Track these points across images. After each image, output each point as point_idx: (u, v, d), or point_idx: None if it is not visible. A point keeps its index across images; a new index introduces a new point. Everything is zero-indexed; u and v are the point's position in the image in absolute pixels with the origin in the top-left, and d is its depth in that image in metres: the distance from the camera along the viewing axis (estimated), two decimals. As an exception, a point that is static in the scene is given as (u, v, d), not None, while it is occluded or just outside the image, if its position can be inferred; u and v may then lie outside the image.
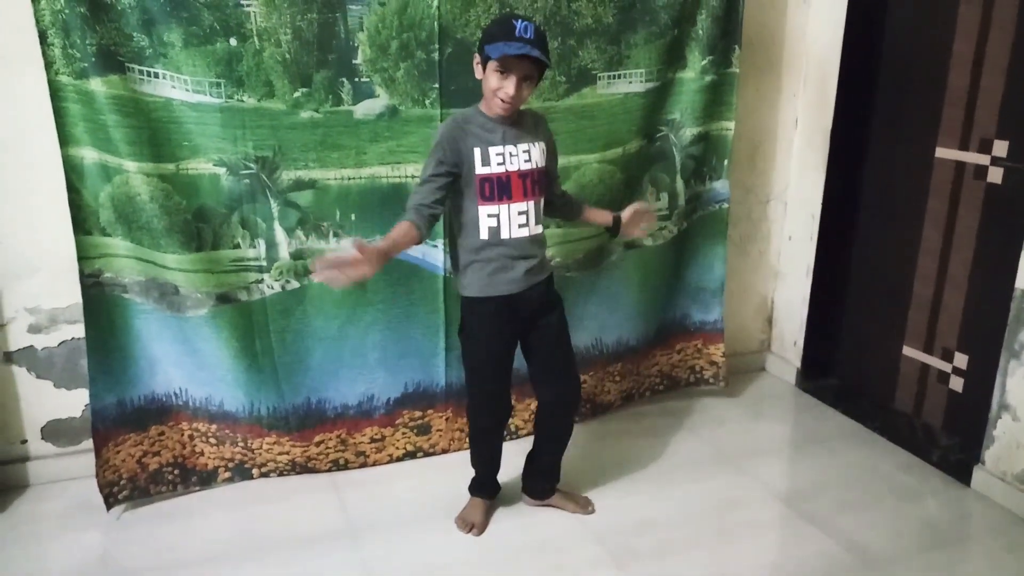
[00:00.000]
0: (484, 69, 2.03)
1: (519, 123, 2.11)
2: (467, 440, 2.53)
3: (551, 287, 2.27)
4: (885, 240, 3.03)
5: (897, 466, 2.75)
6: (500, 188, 2.07)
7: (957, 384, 2.77)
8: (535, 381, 2.34)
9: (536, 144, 2.12)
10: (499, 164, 2.06)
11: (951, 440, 2.74)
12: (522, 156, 2.09)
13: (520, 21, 1.95)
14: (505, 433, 2.53)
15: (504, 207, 2.08)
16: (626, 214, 2.37)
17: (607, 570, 2.21)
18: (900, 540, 2.35)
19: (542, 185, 2.15)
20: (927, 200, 2.82)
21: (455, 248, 2.18)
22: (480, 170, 2.05)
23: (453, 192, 2.09)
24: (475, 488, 2.44)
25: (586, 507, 2.47)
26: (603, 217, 2.40)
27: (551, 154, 2.23)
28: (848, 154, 3.08)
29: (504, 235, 2.09)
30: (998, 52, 2.54)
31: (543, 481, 2.46)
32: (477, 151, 2.05)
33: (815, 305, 3.25)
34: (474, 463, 2.43)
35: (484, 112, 2.08)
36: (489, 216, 2.08)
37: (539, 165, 2.12)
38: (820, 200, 3.15)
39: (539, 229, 2.16)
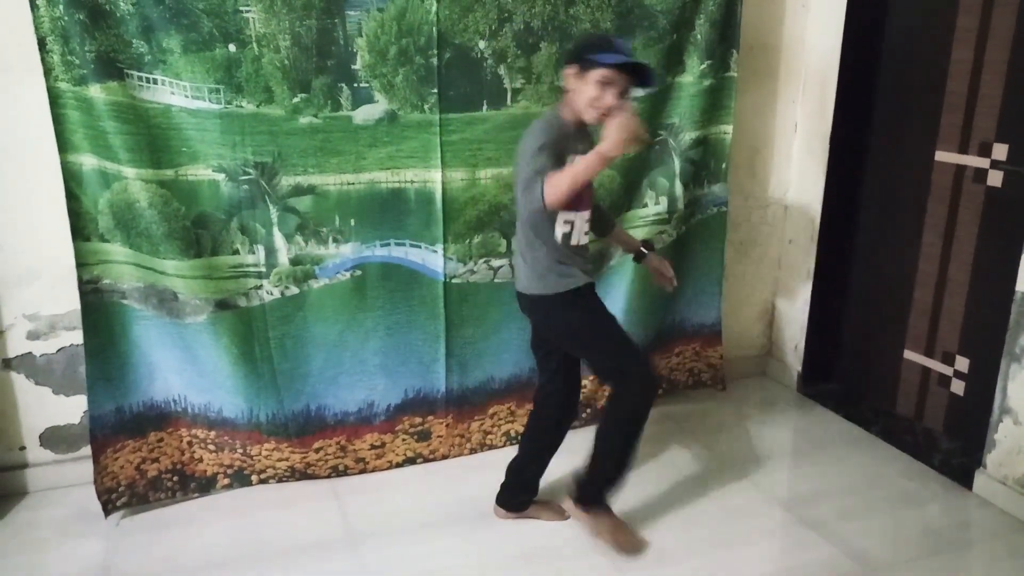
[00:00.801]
0: (580, 79, 2.02)
1: (583, 129, 2.13)
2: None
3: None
4: (885, 244, 3.03)
5: (898, 471, 2.74)
6: (578, 198, 2.06)
7: (958, 388, 2.77)
8: None
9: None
10: None
11: (952, 444, 2.74)
12: None
13: (618, 39, 2.06)
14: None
15: (578, 216, 2.13)
16: (655, 263, 2.41)
17: (608, 576, 2.21)
18: (902, 546, 2.34)
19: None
20: (927, 204, 2.81)
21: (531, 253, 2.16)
22: None
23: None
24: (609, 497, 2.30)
25: (562, 515, 2.42)
26: (631, 244, 2.44)
27: None
28: (848, 158, 3.08)
29: (574, 241, 2.14)
30: (996, 57, 2.54)
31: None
32: (570, 158, 2.04)
33: (816, 309, 3.25)
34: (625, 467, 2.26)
35: (567, 120, 2.08)
36: (565, 223, 2.11)
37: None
38: (820, 204, 3.14)
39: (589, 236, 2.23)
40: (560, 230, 2.12)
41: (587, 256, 2.23)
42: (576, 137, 2.08)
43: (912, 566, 2.26)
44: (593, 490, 2.26)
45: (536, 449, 2.40)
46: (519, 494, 2.42)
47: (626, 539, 2.27)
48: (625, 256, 2.88)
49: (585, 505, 2.27)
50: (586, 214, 2.16)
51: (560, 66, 2.56)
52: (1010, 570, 2.25)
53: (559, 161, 2.00)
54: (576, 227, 2.14)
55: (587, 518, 2.27)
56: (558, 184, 1.92)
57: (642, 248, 2.42)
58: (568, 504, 2.32)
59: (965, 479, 2.61)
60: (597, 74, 1.98)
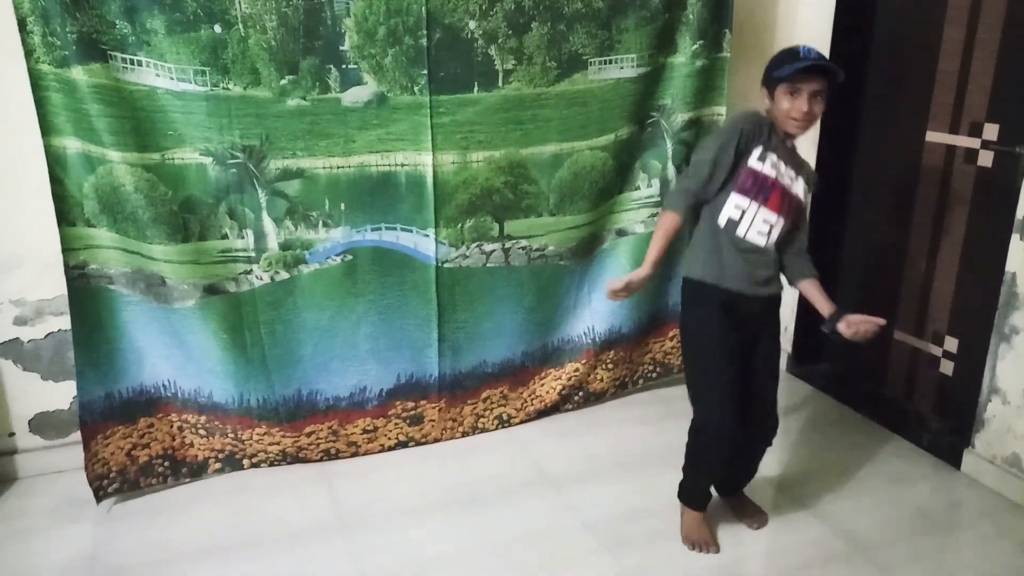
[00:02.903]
0: (772, 99, 2.05)
1: (796, 153, 2.14)
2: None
3: (771, 310, 2.20)
4: (875, 224, 3.03)
5: (888, 451, 2.76)
6: (759, 187, 2.05)
7: (948, 368, 2.78)
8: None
9: (800, 178, 2.13)
10: (772, 167, 2.06)
11: (942, 424, 2.75)
12: (789, 175, 2.09)
13: (803, 47, 2.03)
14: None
15: (755, 205, 2.06)
16: (855, 320, 2.12)
17: (600, 559, 2.21)
18: (891, 525, 2.36)
19: (793, 216, 2.12)
20: (918, 184, 2.81)
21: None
22: (753, 163, 2.05)
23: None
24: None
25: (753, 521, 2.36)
26: (823, 304, 2.19)
27: (805, 199, 2.17)
28: (838, 138, 3.07)
29: (740, 232, 2.08)
30: (988, 36, 2.53)
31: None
32: (759, 149, 2.05)
33: (806, 290, 3.25)
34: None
35: (778, 133, 2.09)
36: (736, 207, 2.07)
37: (798, 195, 2.12)
38: (811, 185, 3.14)
39: (772, 250, 2.12)
40: (727, 214, 2.08)
41: (755, 261, 2.09)
42: (774, 140, 2.07)
43: (901, 545, 2.28)
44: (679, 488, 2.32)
45: None
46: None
47: (695, 536, 2.26)
48: (616, 240, 2.88)
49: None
50: (772, 216, 2.06)
51: (552, 47, 2.55)
52: (999, 549, 2.27)
53: (737, 154, 2.03)
54: (748, 219, 2.06)
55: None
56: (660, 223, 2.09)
57: (832, 312, 2.16)
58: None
59: (954, 459, 2.64)
60: (782, 87, 2.00)
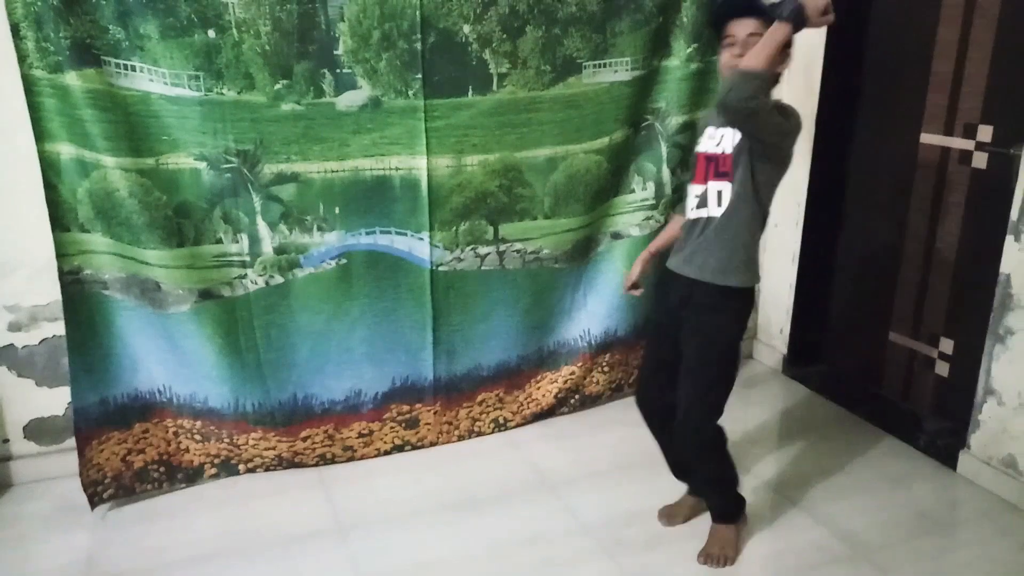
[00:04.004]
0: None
1: None
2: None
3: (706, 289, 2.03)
4: (871, 226, 3.04)
5: (884, 452, 2.76)
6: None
7: (943, 369, 2.78)
8: None
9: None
10: (703, 142, 2.03)
11: (938, 425, 2.75)
12: (719, 131, 1.99)
13: None
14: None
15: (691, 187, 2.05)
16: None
17: (597, 562, 2.21)
18: (888, 526, 2.36)
19: (731, 164, 1.95)
20: (912, 186, 2.82)
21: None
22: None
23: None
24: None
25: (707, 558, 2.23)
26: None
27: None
28: (833, 140, 3.07)
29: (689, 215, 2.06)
30: (982, 38, 2.53)
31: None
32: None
33: (801, 292, 3.25)
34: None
35: None
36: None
37: (724, 152, 1.96)
38: (805, 187, 3.14)
39: (703, 213, 2.00)
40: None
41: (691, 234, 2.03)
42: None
43: (899, 546, 2.28)
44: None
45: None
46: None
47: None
48: (611, 243, 2.87)
49: None
50: (697, 188, 2.01)
51: (547, 51, 2.55)
52: (995, 549, 2.27)
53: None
54: (690, 200, 2.04)
55: None
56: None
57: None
58: None
59: (950, 460, 2.64)
60: (722, 43, 1.93)
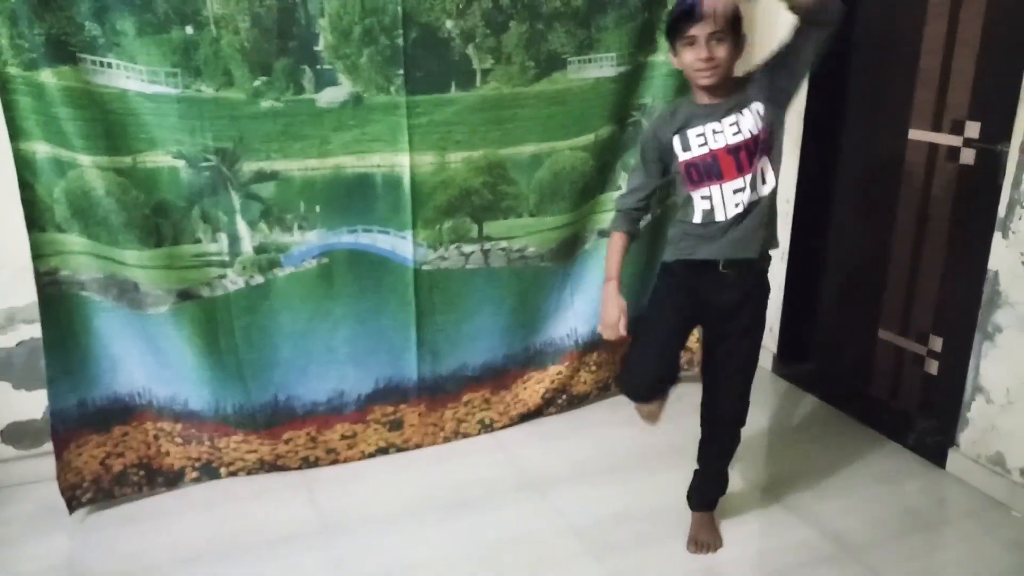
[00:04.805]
0: (678, 57, 1.92)
1: (727, 94, 1.93)
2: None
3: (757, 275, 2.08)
4: (859, 223, 3.02)
5: (873, 450, 2.74)
6: (708, 170, 1.95)
7: (932, 367, 2.77)
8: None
9: (747, 108, 1.92)
10: (700, 144, 1.94)
11: (927, 423, 2.74)
12: (730, 124, 1.92)
13: None
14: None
15: (717, 187, 1.96)
16: None
17: (586, 564, 2.19)
18: (877, 525, 2.34)
19: (761, 145, 1.92)
20: (900, 182, 2.80)
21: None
22: (683, 158, 1.97)
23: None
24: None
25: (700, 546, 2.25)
26: None
27: (766, 113, 1.93)
28: (821, 137, 3.05)
29: (719, 218, 1.97)
30: (969, 33, 2.51)
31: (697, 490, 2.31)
32: (677, 140, 1.96)
33: (790, 290, 3.23)
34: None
35: (694, 99, 1.97)
36: (703, 199, 1.98)
37: (748, 132, 1.91)
38: (794, 184, 3.12)
39: (755, 195, 1.96)
40: (700, 208, 1.99)
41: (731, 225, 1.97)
42: (686, 115, 1.96)
43: (887, 545, 2.26)
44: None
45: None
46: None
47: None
48: (598, 241, 2.85)
49: None
50: (737, 182, 1.94)
51: (531, 46, 2.52)
52: (984, 548, 2.25)
53: (656, 157, 2.02)
54: (719, 202, 1.97)
55: None
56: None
57: None
58: None
59: (939, 458, 2.62)
60: (680, 43, 1.88)
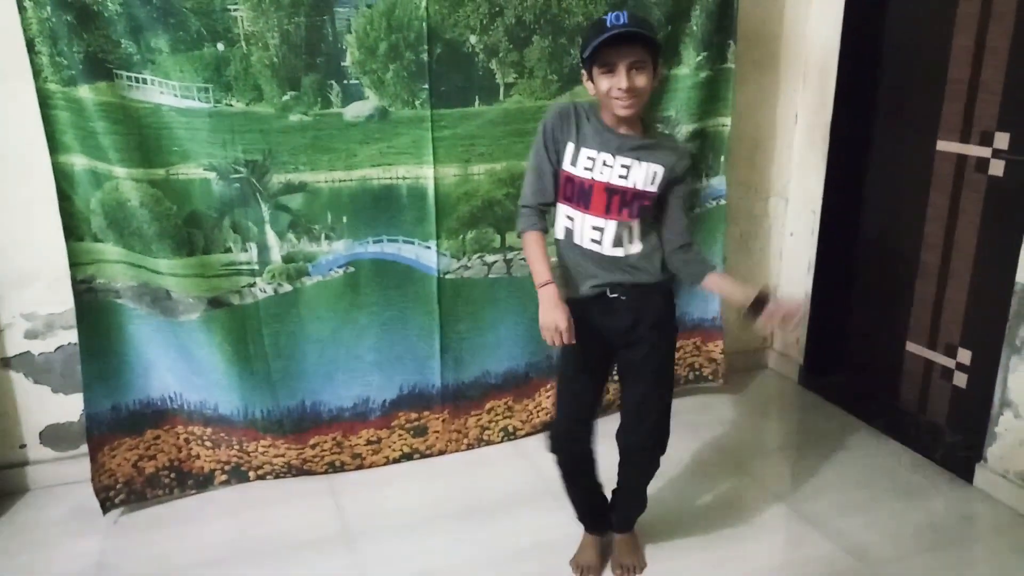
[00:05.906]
0: (592, 81, 1.82)
1: (642, 134, 1.88)
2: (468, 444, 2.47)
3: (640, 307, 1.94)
4: (887, 235, 2.99)
5: (901, 464, 2.71)
6: (578, 193, 1.87)
7: (961, 380, 2.73)
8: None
9: (646, 163, 1.85)
10: (586, 167, 1.86)
11: (955, 437, 2.70)
12: (621, 164, 1.84)
13: (611, 13, 1.75)
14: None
15: (579, 213, 1.88)
16: (771, 312, 1.86)
17: (606, 571, 2.19)
18: (902, 540, 2.31)
19: (639, 211, 1.87)
20: (928, 194, 2.77)
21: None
22: (567, 167, 1.88)
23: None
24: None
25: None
26: (740, 292, 1.92)
27: (661, 185, 1.88)
28: (849, 149, 3.04)
29: (577, 241, 1.91)
30: (998, 44, 2.49)
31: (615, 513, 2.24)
32: (571, 147, 1.87)
33: (817, 302, 3.21)
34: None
35: (602, 119, 1.87)
36: (567, 217, 1.91)
37: (634, 187, 1.85)
38: (821, 196, 3.11)
39: (619, 252, 1.90)
40: (562, 225, 1.91)
41: (602, 264, 1.90)
42: (590, 130, 1.86)
43: (912, 561, 2.23)
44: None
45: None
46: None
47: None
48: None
49: None
50: (598, 220, 1.86)
51: (553, 61, 2.56)
52: (1011, 564, 2.22)
53: (554, 146, 1.87)
54: (579, 229, 1.89)
55: None
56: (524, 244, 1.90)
57: (757, 295, 1.88)
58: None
59: (966, 473, 2.58)
60: (596, 68, 1.77)
